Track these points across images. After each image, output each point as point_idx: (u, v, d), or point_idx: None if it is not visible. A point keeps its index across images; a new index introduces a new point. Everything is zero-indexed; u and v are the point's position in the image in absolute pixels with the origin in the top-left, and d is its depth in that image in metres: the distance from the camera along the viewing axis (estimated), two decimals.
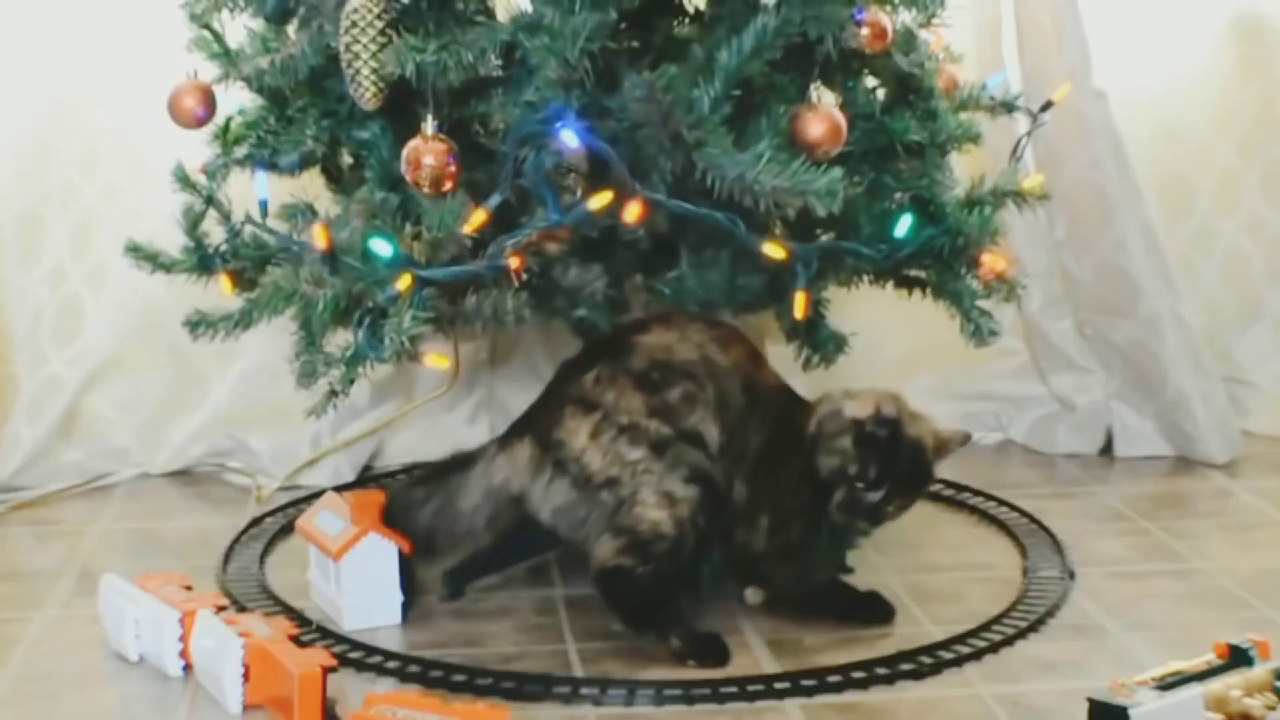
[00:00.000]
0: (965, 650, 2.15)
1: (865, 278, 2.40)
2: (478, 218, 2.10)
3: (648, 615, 2.17)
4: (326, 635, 2.21)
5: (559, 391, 2.22)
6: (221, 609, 2.14)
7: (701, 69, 2.13)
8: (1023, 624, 2.23)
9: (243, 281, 2.36)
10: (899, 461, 2.18)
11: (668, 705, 2.02)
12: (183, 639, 2.11)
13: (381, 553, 2.26)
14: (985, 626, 2.22)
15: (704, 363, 2.20)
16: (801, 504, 2.20)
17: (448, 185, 2.12)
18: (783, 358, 2.57)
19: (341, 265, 2.13)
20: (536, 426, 2.21)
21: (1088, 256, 3.00)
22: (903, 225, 2.26)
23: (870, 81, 2.35)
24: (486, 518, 2.24)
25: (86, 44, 2.87)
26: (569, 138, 2.07)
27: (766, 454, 2.21)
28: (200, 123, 2.35)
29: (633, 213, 2.09)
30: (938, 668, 2.11)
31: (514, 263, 2.08)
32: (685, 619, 2.18)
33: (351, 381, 2.14)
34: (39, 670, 2.16)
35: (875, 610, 2.27)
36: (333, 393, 2.17)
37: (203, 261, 2.38)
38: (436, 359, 2.18)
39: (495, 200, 2.12)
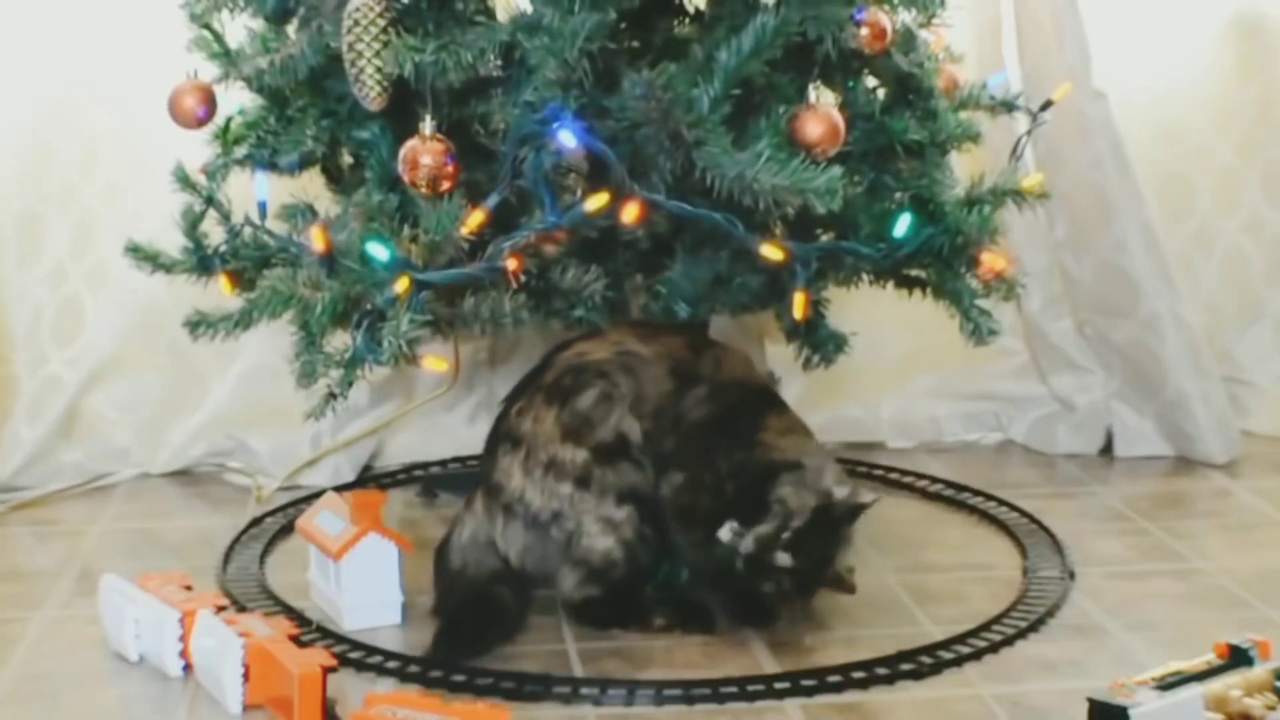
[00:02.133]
0: (965, 650, 2.15)
1: (865, 278, 2.40)
2: (476, 218, 2.10)
3: (623, 618, 2.22)
4: (326, 635, 2.21)
5: (495, 430, 2.28)
6: (221, 609, 2.14)
7: (701, 68, 2.13)
8: (1023, 624, 2.23)
9: (242, 282, 2.36)
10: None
11: (668, 705, 2.02)
12: (183, 639, 2.11)
13: (381, 553, 2.26)
14: (985, 626, 2.22)
15: (619, 358, 2.22)
16: (721, 488, 2.19)
17: (445, 186, 2.12)
18: (783, 358, 2.58)
19: (339, 268, 2.13)
20: (482, 475, 2.26)
21: (1088, 256, 3.00)
22: (902, 225, 2.26)
23: (870, 81, 2.35)
24: (481, 572, 2.25)
25: (86, 44, 2.87)
26: (567, 138, 2.07)
27: (705, 428, 2.21)
28: (200, 123, 2.36)
29: (630, 213, 2.09)
30: (938, 668, 2.11)
31: (512, 264, 2.08)
32: (662, 599, 2.23)
33: (350, 384, 2.14)
34: (39, 670, 2.16)
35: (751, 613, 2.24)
36: (331, 395, 2.17)
37: (202, 262, 2.38)
38: (435, 362, 2.18)
39: (493, 200, 2.12)
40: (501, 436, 2.25)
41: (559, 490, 2.19)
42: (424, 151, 2.11)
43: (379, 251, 2.08)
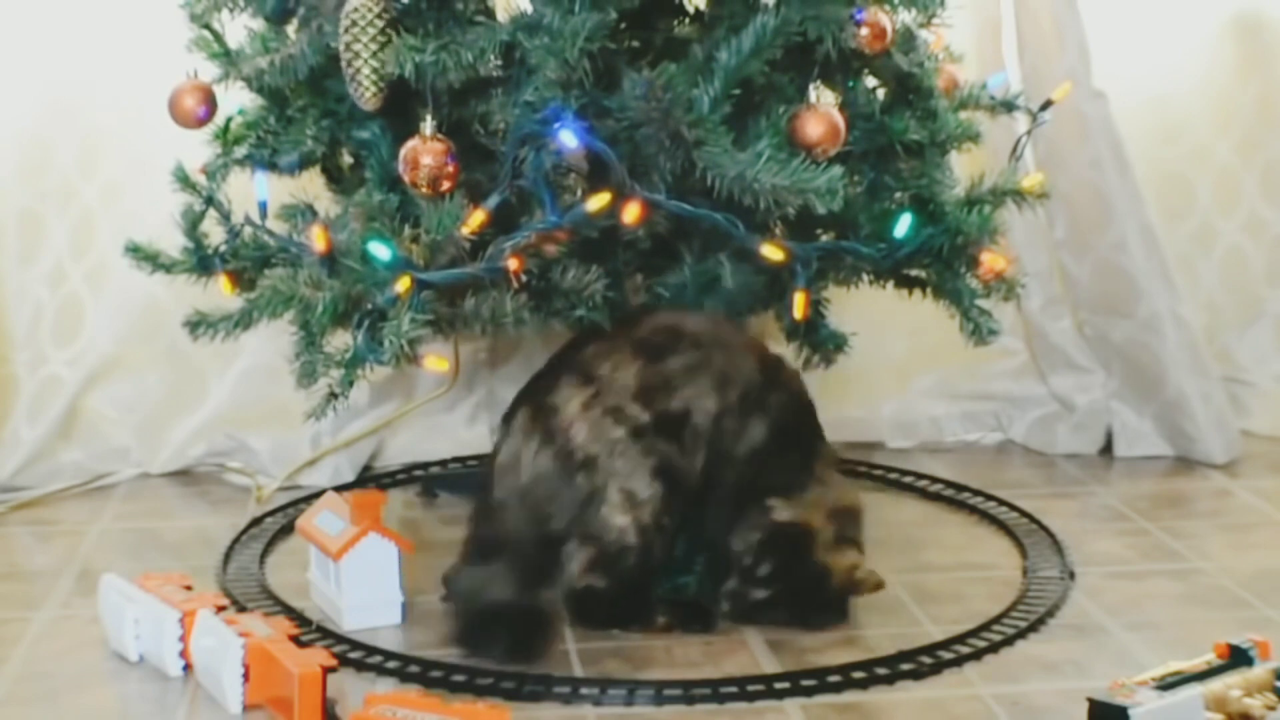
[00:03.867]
0: (965, 650, 2.15)
1: (865, 278, 2.40)
2: (476, 218, 2.10)
3: (624, 616, 2.21)
4: (326, 635, 2.21)
5: (560, 360, 2.24)
6: (221, 609, 2.14)
7: (701, 68, 2.13)
8: (1023, 624, 2.23)
9: (242, 282, 2.36)
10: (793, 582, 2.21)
11: (668, 705, 2.02)
12: (183, 639, 2.11)
13: (381, 553, 2.26)
14: (985, 626, 2.22)
15: (715, 331, 2.20)
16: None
17: (446, 185, 2.12)
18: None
19: (340, 268, 2.13)
20: (533, 392, 2.23)
21: (1087, 256, 3.00)
22: (902, 225, 2.26)
23: (870, 81, 2.35)
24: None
25: (86, 44, 2.87)
26: (568, 138, 2.07)
27: (762, 451, 2.21)
28: (201, 122, 2.35)
29: (631, 213, 2.09)
30: (938, 668, 2.11)
31: (513, 265, 2.08)
32: (664, 598, 2.23)
33: (351, 384, 2.14)
34: (39, 670, 2.16)
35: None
36: (332, 395, 2.17)
37: (202, 262, 2.38)
38: (436, 361, 2.18)
39: (494, 201, 2.12)
40: (571, 366, 2.20)
41: (608, 434, 2.15)
42: (425, 151, 2.11)
43: (381, 251, 2.08)
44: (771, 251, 2.15)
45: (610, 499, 2.15)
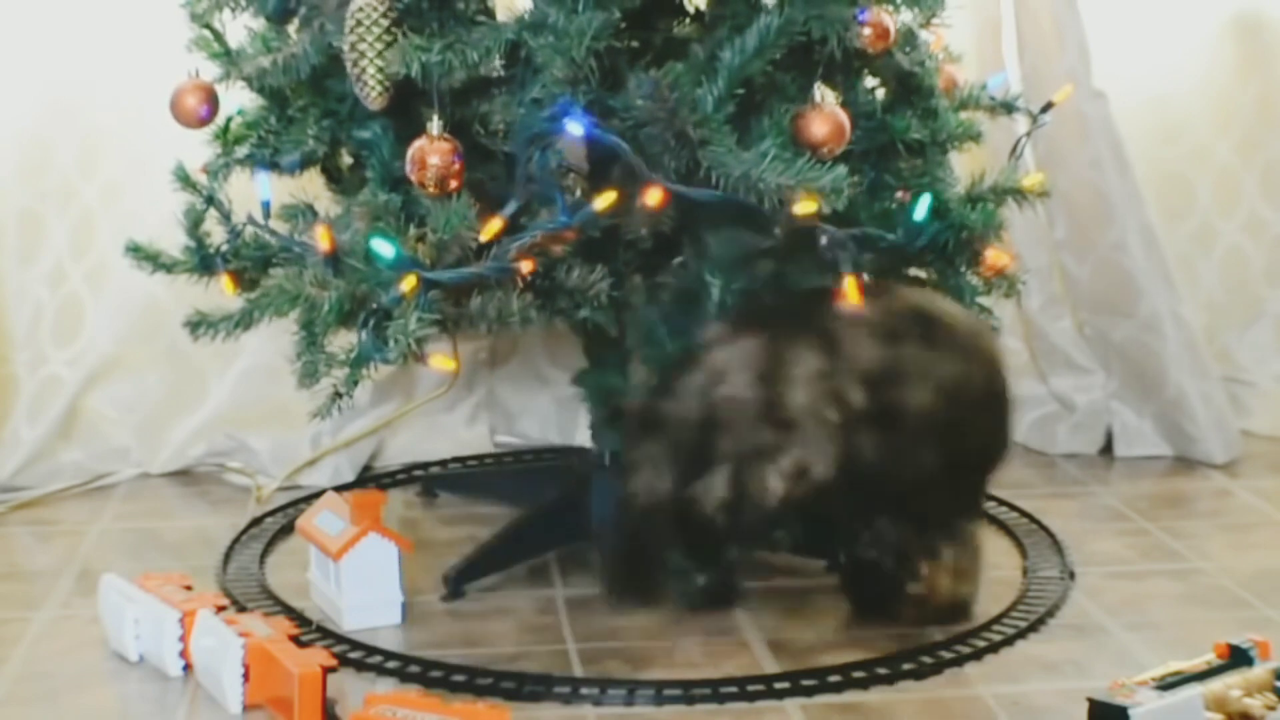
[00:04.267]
0: (965, 650, 2.15)
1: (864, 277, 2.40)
2: (493, 226, 2.09)
3: (693, 549, 2.22)
4: (326, 635, 2.21)
5: (816, 312, 2.16)
6: (221, 609, 2.14)
7: (704, 68, 2.13)
8: (1023, 624, 2.23)
9: (244, 282, 2.36)
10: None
11: (668, 705, 2.02)
12: (183, 639, 2.11)
13: (381, 553, 2.26)
14: (985, 626, 2.22)
15: (963, 331, 2.19)
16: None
17: (453, 185, 2.11)
18: None
19: (345, 267, 2.13)
20: (771, 326, 2.17)
21: (1088, 256, 3.00)
22: (921, 207, 2.24)
23: (869, 81, 2.35)
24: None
25: (86, 44, 2.87)
26: (575, 128, 2.06)
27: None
28: (203, 122, 2.35)
29: (654, 198, 2.08)
30: (938, 668, 2.11)
31: (525, 267, 2.08)
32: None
33: (356, 383, 2.13)
34: (39, 670, 2.16)
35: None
36: (337, 394, 2.16)
37: (204, 262, 2.37)
38: (443, 361, 2.17)
39: (512, 207, 2.11)
40: (819, 329, 2.14)
41: (822, 411, 2.10)
42: (432, 151, 2.10)
43: (384, 248, 2.08)
44: (805, 206, 2.11)
45: (782, 464, 2.11)
